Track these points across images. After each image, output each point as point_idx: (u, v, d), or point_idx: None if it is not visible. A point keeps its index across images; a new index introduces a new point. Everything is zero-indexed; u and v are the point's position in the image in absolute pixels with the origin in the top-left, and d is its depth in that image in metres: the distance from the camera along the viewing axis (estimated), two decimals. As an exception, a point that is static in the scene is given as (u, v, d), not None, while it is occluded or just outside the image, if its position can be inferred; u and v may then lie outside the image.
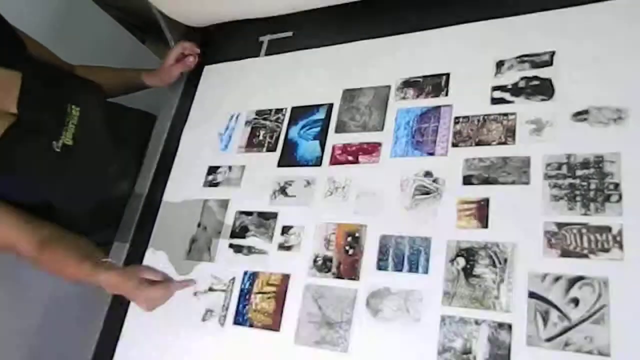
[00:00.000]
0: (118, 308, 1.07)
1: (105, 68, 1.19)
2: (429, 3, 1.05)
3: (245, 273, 0.97)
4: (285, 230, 0.98)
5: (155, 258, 1.08)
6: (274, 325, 0.90)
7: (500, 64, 0.93)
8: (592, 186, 0.77)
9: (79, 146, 0.99)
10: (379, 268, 0.87)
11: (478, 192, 0.85)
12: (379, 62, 1.06)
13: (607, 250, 0.73)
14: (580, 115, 0.83)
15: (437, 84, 0.98)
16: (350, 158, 0.99)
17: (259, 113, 1.15)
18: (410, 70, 1.02)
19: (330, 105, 1.07)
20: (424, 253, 0.84)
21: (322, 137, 1.04)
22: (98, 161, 1.07)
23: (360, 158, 0.98)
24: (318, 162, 1.02)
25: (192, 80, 1.31)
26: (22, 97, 0.92)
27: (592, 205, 0.76)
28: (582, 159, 0.80)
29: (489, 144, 0.88)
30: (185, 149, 1.21)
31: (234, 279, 0.98)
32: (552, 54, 0.90)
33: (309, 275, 0.92)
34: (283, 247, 0.96)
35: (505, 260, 0.78)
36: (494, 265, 0.79)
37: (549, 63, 0.89)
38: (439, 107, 0.95)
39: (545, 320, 0.73)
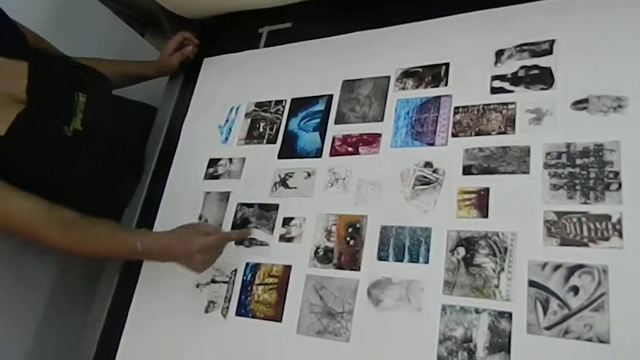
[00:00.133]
0: (121, 301, 1.08)
1: (105, 60, 1.19)
2: (428, -7, 1.05)
3: (247, 264, 0.98)
4: (286, 221, 0.98)
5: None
6: (276, 316, 0.91)
7: (499, 53, 0.93)
8: (592, 175, 0.77)
9: (88, 132, 0.99)
10: (380, 258, 0.87)
11: (478, 181, 0.85)
12: (379, 52, 1.06)
13: (606, 239, 0.73)
14: (580, 104, 0.83)
15: (436, 73, 0.98)
16: (350, 149, 0.99)
17: (259, 105, 1.15)
18: (409, 61, 1.01)
19: (330, 97, 1.07)
20: (425, 243, 0.84)
21: (322, 128, 1.04)
22: (106, 148, 1.08)
23: (361, 149, 0.98)
24: (318, 154, 1.02)
25: (191, 72, 1.30)
26: (30, 84, 0.92)
27: (592, 194, 0.76)
28: (581, 147, 0.80)
29: (488, 134, 0.88)
30: (186, 141, 1.21)
31: (235, 270, 0.99)
32: (552, 42, 0.89)
33: (310, 266, 0.92)
34: (284, 238, 0.97)
35: (505, 250, 0.79)
36: (494, 255, 0.79)
37: (549, 52, 0.89)
38: (439, 97, 0.95)
39: (545, 309, 0.73)
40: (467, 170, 0.86)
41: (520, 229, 0.79)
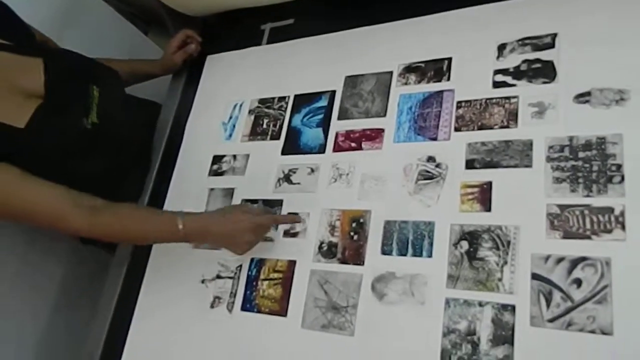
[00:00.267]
0: (128, 296, 1.09)
1: (111, 59, 1.20)
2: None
3: (252, 260, 0.99)
4: (291, 217, 0.99)
5: (163, 246, 1.10)
6: (281, 310, 0.92)
7: (502, 47, 0.93)
8: (595, 168, 0.78)
9: (104, 125, 1.01)
10: (384, 253, 0.88)
11: (481, 175, 0.85)
12: (381, 48, 1.07)
13: (609, 231, 0.73)
14: (582, 97, 0.83)
15: (439, 68, 0.98)
16: (353, 144, 1.00)
17: (262, 101, 1.16)
18: (412, 56, 1.02)
19: (333, 93, 1.07)
20: (428, 237, 0.85)
21: (325, 124, 1.05)
22: (118, 143, 1.09)
23: (364, 144, 0.98)
24: (322, 150, 1.02)
25: (195, 70, 1.31)
26: (48, 79, 0.94)
27: (595, 186, 0.77)
28: (584, 140, 0.80)
29: (491, 128, 0.88)
30: (190, 138, 1.22)
31: (240, 266, 0.99)
32: (554, 36, 0.89)
33: (314, 261, 0.93)
34: (288, 233, 0.98)
35: (509, 243, 0.79)
36: (497, 248, 0.79)
37: (551, 45, 0.89)
38: (441, 91, 0.95)
39: (548, 301, 0.73)
40: (470, 165, 0.87)
41: (523, 222, 0.79)
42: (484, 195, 0.84)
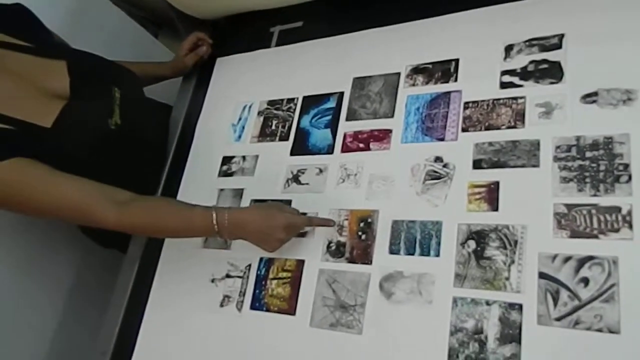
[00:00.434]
0: (138, 296, 1.10)
1: (122, 62, 1.22)
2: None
3: (261, 259, 1.00)
4: (299, 217, 1.00)
5: (173, 247, 1.11)
6: (290, 309, 0.93)
7: (509, 48, 0.94)
8: (602, 167, 0.78)
9: (126, 126, 1.03)
10: (392, 252, 0.88)
11: (488, 175, 0.86)
12: (389, 49, 1.07)
13: (616, 230, 0.74)
14: (590, 97, 0.83)
15: (446, 69, 0.99)
16: (361, 145, 1.00)
17: (271, 103, 1.17)
18: (419, 57, 1.03)
19: (341, 94, 1.08)
20: (436, 237, 0.86)
21: (333, 125, 1.06)
22: (138, 143, 1.11)
23: (372, 145, 0.99)
24: (330, 150, 1.03)
25: (204, 72, 1.33)
26: (73, 80, 0.97)
27: (602, 186, 0.77)
28: (591, 140, 0.80)
29: (498, 128, 0.88)
30: (200, 140, 1.24)
31: (249, 265, 1.00)
32: (561, 36, 0.90)
33: (323, 260, 0.94)
34: (297, 233, 0.98)
35: (516, 242, 0.79)
36: (505, 247, 0.80)
37: (558, 46, 0.90)
38: (449, 92, 0.96)
39: (555, 300, 0.74)
40: (477, 165, 0.87)
41: (531, 221, 0.80)
42: (491, 195, 0.84)
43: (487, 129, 0.89)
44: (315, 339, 0.89)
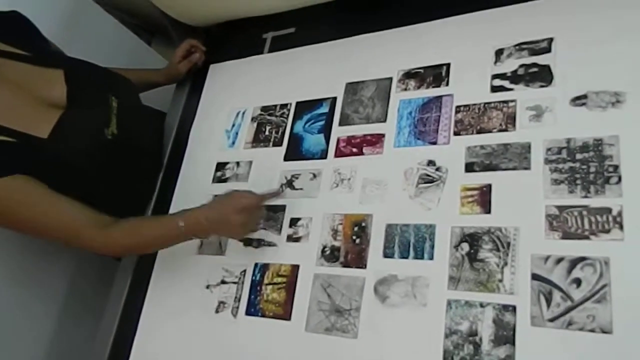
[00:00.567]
0: (134, 303, 1.10)
1: (117, 69, 1.22)
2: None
3: (256, 265, 1.00)
4: (294, 222, 1.00)
5: (168, 253, 1.11)
6: (285, 314, 0.93)
7: (499, 53, 0.95)
8: (592, 169, 0.79)
9: (123, 136, 1.03)
10: (386, 256, 0.89)
11: (480, 178, 0.86)
12: (381, 54, 1.08)
13: (607, 231, 0.75)
14: (579, 100, 0.84)
15: (438, 74, 0.99)
16: (354, 150, 1.01)
17: (265, 109, 1.17)
18: (411, 62, 1.03)
19: (334, 99, 1.09)
20: (429, 240, 0.86)
21: (326, 130, 1.06)
22: (136, 152, 1.11)
23: (365, 149, 1.00)
24: (323, 155, 1.04)
25: (198, 79, 1.33)
26: (70, 89, 0.97)
27: (592, 187, 0.78)
28: (581, 142, 0.81)
29: (490, 132, 0.89)
30: (194, 146, 1.24)
31: (244, 271, 1.01)
32: (550, 40, 0.91)
33: (317, 265, 0.94)
34: (292, 238, 0.99)
35: (509, 244, 0.80)
36: (498, 250, 0.80)
37: (547, 50, 0.91)
38: (440, 96, 0.97)
39: (548, 301, 0.74)
40: (469, 168, 0.88)
41: (523, 223, 0.80)
42: (483, 198, 0.85)
43: (478, 132, 0.90)
44: (310, 343, 0.89)
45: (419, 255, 0.86)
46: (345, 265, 0.91)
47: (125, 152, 1.06)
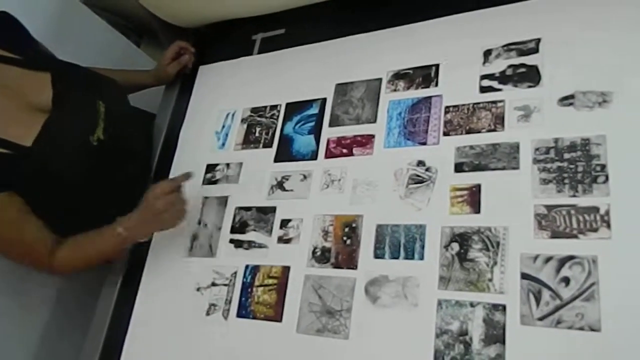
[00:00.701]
0: (124, 306, 1.10)
1: (106, 70, 1.21)
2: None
3: (247, 267, 1.00)
4: (284, 223, 1.00)
5: (157, 256, 1.11)
6: (276, 316, 0.93)
7: (487, 53, 0.95)
8: (580, 168, 0.80)
9: (110, 141, 1.02)
10: (376, 256, 0.89)
11: (470, 178, 0.87)
12: (370, 55, 1.09)
13: (595, 230, 0.75)
14: (567, 100, 0.85)
15: (427, 74, 1.00)
16: (344, 151, 1.01)
17: (255, 110, 1.17)
18: (400, 63, 1.04)
19: (324, 100, 1.09)
20: (419, 240, 0.86)
21: (316, 131, 1.06)
22: (124, 157, 1.10)
23: (355, 150, 1.00)
24: (314, 156, 1.04)
25: (187, 80, 1.33)
26: (56, 94, 0.96)
27: (580, 187, 0.78)
28: (569, 142, 0.82)
29: (479, 132, 0.90)
30: (184, 148, 1.23)
31: (235, 273, 1.00)
32: (538, 41, 0.92)
33: (308, 266, 0.94)
34: (282, 240, 0.99)
35: (498, 244, 0.80)
36: (487, 249, 0.81)
37: (535, 50, 0.91)
38: (430, 97, 0.97)
39: (537, 300, 0.75)
40: (458, 168, 0.89)
41: (512, 223, 0.81)
42: (473, 198, 0.85)
43: (467, 132, 0.91)
44: (302, 345, 0.89)
45: (410, 256, 0.86)
46: (336, 266, 0.92)
47: (112, 158, 1.05)
